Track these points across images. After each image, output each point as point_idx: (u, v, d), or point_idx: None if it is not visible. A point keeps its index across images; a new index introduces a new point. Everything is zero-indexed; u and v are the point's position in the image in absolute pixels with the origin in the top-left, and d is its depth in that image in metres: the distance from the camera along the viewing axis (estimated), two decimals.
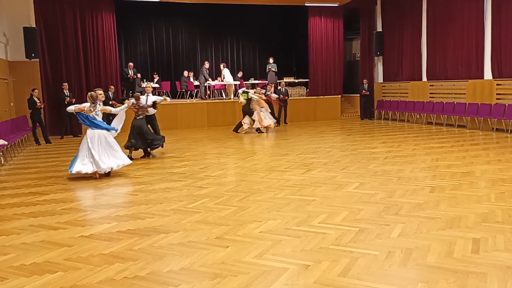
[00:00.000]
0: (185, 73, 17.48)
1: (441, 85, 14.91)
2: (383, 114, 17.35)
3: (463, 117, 13.57)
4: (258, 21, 18.83)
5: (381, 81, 18.07)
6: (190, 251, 4.08)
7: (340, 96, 18.21)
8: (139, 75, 16.53)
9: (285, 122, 16.36)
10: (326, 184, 6.66)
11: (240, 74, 18.01)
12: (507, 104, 12.24)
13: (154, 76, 17.63)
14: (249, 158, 9.19)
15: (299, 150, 10.02)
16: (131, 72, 15.59)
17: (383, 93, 17.94)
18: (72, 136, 13.87)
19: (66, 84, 13.41)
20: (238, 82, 17.53)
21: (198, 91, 17.37)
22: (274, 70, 17.13)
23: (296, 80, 18.64)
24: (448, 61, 14.44)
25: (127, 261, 3.87)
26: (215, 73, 18.20)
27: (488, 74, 13.04)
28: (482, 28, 13.02)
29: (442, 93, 14.91)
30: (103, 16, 15.01)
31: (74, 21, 14.55)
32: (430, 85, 15.38)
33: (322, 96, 17.80)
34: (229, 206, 5.55)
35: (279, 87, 16.36)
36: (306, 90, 18.22)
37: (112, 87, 14.57)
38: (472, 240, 4.16)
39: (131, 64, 15.97)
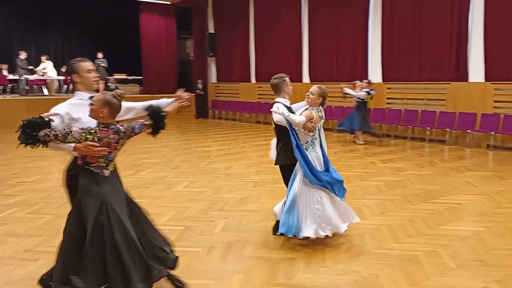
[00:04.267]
0: None
1: (268, 86, 16.08)
2: (216, 113, 17.94)
3: None
4: (87, 13, 17.54)
5: (215, 81, 18.67)
6: None
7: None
8: None
9: None
10: (156, 184, 6.56)
11: (64, 69, 16.50)
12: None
13: None
14: None
15: (130, 151, 9.65)
16: None
17: (216, 93, 18.56)
18: None
19: None
20: (62, 77, 16.06)
21: (14, 86, 15.36)
22: (104, 65, 16.19)
23: (130, 77, 17.98)
24: (273, 64, 15.65)
25: None
26: (35, 67, 16.30)
27: (306, 78, 14.57)
28: (300, 35, 14.49)
29: (269, 94, 16.10)
30: None
31: None
32: (258, 87, 16.48)
33: (156, 95, 17.51)
34: (44, 215, 5.02)
35: (108, 84, 15.53)
36: (140, 87, 17.72)
37: None
38: None
39: None
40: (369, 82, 10.40)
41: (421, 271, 3.55)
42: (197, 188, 6.29)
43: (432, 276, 3.46)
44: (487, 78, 9.94)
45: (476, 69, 10.12)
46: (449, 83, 10.56)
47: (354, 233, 4.39)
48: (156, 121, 3.03)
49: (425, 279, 3.41)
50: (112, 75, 16.55)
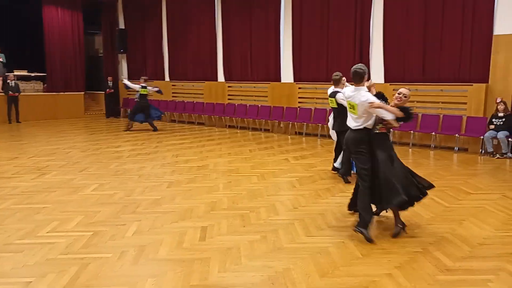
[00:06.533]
0: None
1: (182, 85, 15.87)
2: (128, 112, 17.24)
3: (202, 115, 14.80)
4: None
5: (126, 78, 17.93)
6: None
7: (83, 93, 17.20)
8: None
9: (17, 121, 14.40)
10: (61, 188, 6.14)
11: None
12: (236, 104, 13.99)
13: None
14: None
15: (33, 153, 8.95)
16: None
17: (128, 91, 17.78)
18: None
19: None
20: None
21: None
22: (1, 60, 14.80)
23: (32, 74, 16.62)
24: (188, 63, 15.45)
25: None
26: None
27: (221, 77, 14.59)
28: (214, 34, 14.45)
29: (184, 93, 15.88)
30: None
31: None
32: (173, 85, 16.16)
33: (62, 93, 16.42)
34: None
35: (8, 81, 14.24)
36: (44, 85, 16.47)
37: None
38: (200, 228, 4.53)
39: None
40: (145, 80, 12.60)
41: (331, 262, 3.73)
42: (108, 191, 6.00)
43: (340, 266, 3.65)
44: (386, 80, 10.74)
45: (377, 71, 10.89)
46: None
47: (268, 229, 4.49)
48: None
49: (334, 269, 3.59)
50: (12, 72, 15.16)
